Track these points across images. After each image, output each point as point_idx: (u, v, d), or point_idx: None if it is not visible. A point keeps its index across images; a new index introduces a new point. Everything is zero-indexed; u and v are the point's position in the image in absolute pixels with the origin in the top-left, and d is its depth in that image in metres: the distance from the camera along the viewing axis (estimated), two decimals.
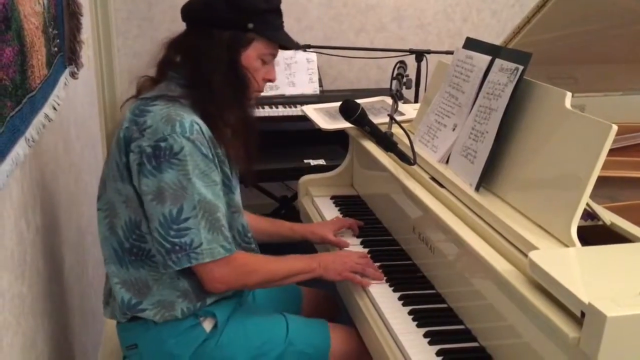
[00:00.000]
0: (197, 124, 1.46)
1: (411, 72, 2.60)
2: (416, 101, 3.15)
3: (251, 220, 1.75)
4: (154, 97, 1.51)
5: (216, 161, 1.50)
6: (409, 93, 3.05)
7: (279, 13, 1.59)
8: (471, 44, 1.78)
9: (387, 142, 1.76)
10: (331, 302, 1.94)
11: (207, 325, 1.57)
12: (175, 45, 1.58)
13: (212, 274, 1.48)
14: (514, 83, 1.48)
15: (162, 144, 1.42)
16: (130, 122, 1.49)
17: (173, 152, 1.42)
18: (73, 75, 1.95)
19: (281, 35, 1.59)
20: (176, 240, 1.43)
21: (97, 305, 2.30)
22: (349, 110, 1.80)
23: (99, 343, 2.33)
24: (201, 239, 1.44)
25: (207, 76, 1.51)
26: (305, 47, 2.98)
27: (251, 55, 1.55)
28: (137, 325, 1.57)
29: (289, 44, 1.60)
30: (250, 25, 1.52)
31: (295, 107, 3.30)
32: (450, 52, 3.15)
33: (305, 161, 3.19)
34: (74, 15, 1.91)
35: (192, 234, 1.43)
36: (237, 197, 1.61)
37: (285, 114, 3.26)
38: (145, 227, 1.50)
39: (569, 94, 1.39)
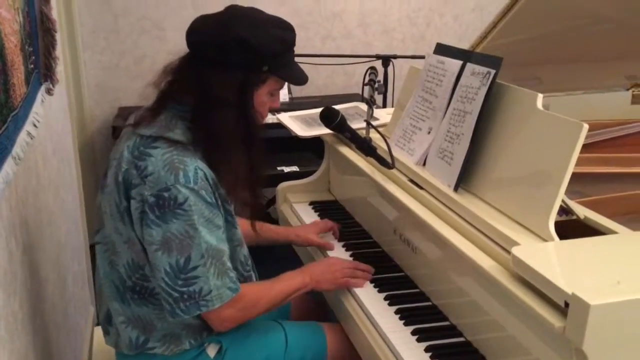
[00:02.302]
0: (201, 169, 1.42)
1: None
2: (384, 106, 3.21)
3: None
4: (155, 137, 1.45)
5: (219, 203, 1.47)
6: (377, 98, 3.11)
7: (292, 48, 1.55)
8: (442, 49, 1.84)
9: (366, 147, 1.81)
10: (318, 304, 1.97)
11: (211, 351, 1.58)
12: (178, 75, 1.50)
13: (220, 316, 1.48)
14: (487, 86, 1.54)
15: (166, 194, 1.37)
16: (130, 164, 1.44)
17: (177, 203, 1.38)
18: (49, 91, 1.94)
19: (294, 72, 1.56)
20: (184, 289, 1.41)
21: (77, 321, 2.31)
22: (330, 117, 1.84)
23: (80, 358, 2.32)
24: (210, 286, 1.42)
25: (213, 119, 1.45)
26: None
27: (262, 92, 1.51)
28: (141, 357, 1.56)
29: (300, 82, 1.56)
30: (265, 68, 1.48)
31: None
32: (416, 57, 3.23)
33: (279, 168, 3.23)
34: (48, 32, 1.91)
35: (201, 282, 1.41)
36: (239, 230, 1.59)
37: None
38: (149, 270, 1.47)
39: (540, 95, 1.46)
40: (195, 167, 1.41)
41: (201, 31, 1.48)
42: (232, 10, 1.51)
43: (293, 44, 1.54)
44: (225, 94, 1.45)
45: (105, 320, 1.61)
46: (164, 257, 1.40)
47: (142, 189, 1.40)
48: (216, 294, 1.43)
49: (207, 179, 1.43)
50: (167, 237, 1.39)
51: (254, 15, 1.50)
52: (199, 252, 1.40)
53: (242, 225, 1.74)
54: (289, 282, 1.61)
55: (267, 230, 1.93)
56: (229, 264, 1.47)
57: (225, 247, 1.47)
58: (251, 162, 1.53)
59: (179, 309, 1.42)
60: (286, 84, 3.46)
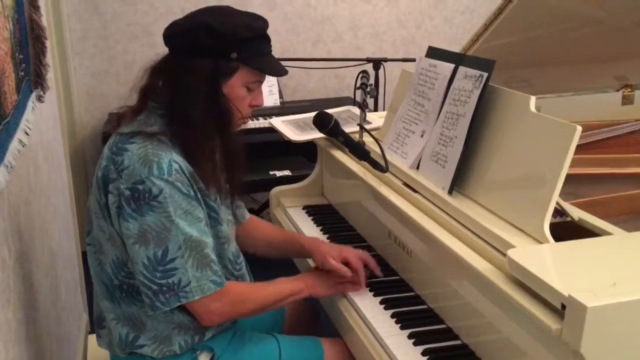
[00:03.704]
0: (176, 162, 1.43)
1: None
2: (376, 109, 3.22)
3: (266, 229, 1.81)
4: (132, 133, 1.47)
5: (199, 196, 1.47)
6: (369, 101, 3.12)
7: (264, 38, 1.54)
8: (434, 53, 1.84)
9: (360, 151, 1.80)
10: (312, 311, 1.96)
11: (204, 358, 1.57)
12: (157, 72, 1.53)
13: (207, 308, 1.46)
14: (480, 89, 1.55)
15: (140, 187, 1.39)
16: (108, 161, 1.46)
17: (152, 195, 1.39)
18: (39, 98, 1.93)
19: (266, 62, 1.54)
20: (163, 281, 1.41)
21: (71, 329, 2.29)
22: (324, 121, 1.84)
23: None
24: (189, 277, 1.41)
25: (186, 109, 1.47)
26: None
27: (235, 84, 1.51)
28: (132, 358, 1.56)
29: (275, 72, 1.56)
30: (234, 55, 1.48)
31: (257, 119, 3.33)
32: (407, 60, 3.25)
33: (271, 173, 3.22)
34: (39, 39, 1.89)
35: (179, 273, 1.41)
36: (225, 227, 1.58)
37: (248, 126, 3.27)
38: (132, 265, 1.47)
39: (533, 98, 1.46)
40: (169, 159, 1.42)
41: (173, 25, 1.54)
42: (204, 7, 1.57)
43: (262, 33, 1.53)
44: (195, 82, 1.47)
45: (98, 323, 1.61)
46: (141, 250, 1.40)
47: (118, 183, 1.42)
48: (196, 285, 1.42)
49: (182, 171, 1.44)
50: (143, 230, 1.40)
51: (225, 7, 1.56)
52: (176, 243, 1.40)
53: (264, 227, 1.77)
54: (282, 286, 1.61)
55: (293, 239, 1.84)
56: (212, 257, 1.46)
57: (207, 239, 1.46)
58: (228, 152, 1.56)
59: (158, 301, 1.42)
60: (277, 87, 3.54)
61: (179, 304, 1.43)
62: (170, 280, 1.41)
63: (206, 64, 1.47)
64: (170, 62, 1.52)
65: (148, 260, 1.40)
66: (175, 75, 1.49)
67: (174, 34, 1.52)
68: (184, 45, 1.50)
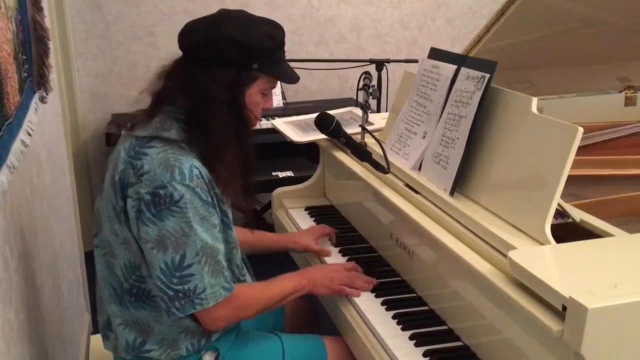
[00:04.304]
0: (197, 167, 1.44)
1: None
2: (378, 110, 3.23)
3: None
4: (150, 137, 1.47)
5: (215, 202, 1.48)
6: (371, 102, 3.12)
7: (282, 47, 1.56)
8: (436, 54, 1.84)
9: (362, 152, 1.81)
10: (312, 311, 1.97)
11: (208, 358, 1.57)
12: (172, 78, 1.52)
13: (214, 314, 1.47)
14: (482, 90, 1.55)
15: (161, 192, 1.39)
16: (126, 164, 1.46)
17: (173, 200, 1.39)
18: (42, 99, 1.94)
19: (284, 70, 1.57)
20: (179, 287, 1.42)
21: (72, 329, 2.29)
22: (325, 123, 1.84)
23: None
24: (205, 284, 1.42)
25: (207, 117, 1.47)
26: None
27: (253, 92, 1.52)
28: None
29: (291, 80, 1.57)
30: (255, 65, 1.50)
31: (260, 120, 3.32)
32: (410, 61, 3.25)
33: (274, 174, 3.23)
34: (42, 40, 1.90)
35: (195, 279, 1.42)
36: (234, 232, 1.59)
37: None
38: (145, 270, 1.48)
39: (534, 99, 1.46)
40: (190, 165, 1.43)
41: (192, 32, 1.52)
42: (221, 11, 1.56)
43: (282, 42, 1.55)
44: (217, 92, 1.47)
45: (105, 326, 1.61)
46: (159, 255, 1.41)
47: (138, 187, 1.42)
48: (210, 292, 1.43)
49: (202, 177, 1.45)
50: (162, 235, 1.40)
51: (243, 15, 1.55)
52: (193, 249, 1.41)
53: (238, 233, 1.74)
54: (284, 284, 1.61)
55: (264, 237, 1.93)
56: (224, 263, 1.47)
57: (220, 246, 1.47)
58: (244, 158, 1.56)
59: (174, 307, 1.43)
60: (280, 88, 3.54)
61: (193, 311, 1.44)
62: (186, 287, 1.42)
63: (228, 74, 1.48)
64: (187, 69, 1.51)
65: (166, 265, 1.41)
66: (195, 83, 1.48)
67: (195, 43, 1.50)
68: (205, 55, 1.49)
